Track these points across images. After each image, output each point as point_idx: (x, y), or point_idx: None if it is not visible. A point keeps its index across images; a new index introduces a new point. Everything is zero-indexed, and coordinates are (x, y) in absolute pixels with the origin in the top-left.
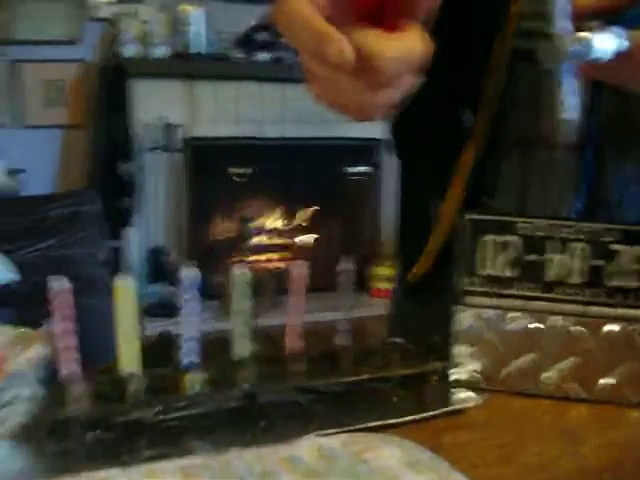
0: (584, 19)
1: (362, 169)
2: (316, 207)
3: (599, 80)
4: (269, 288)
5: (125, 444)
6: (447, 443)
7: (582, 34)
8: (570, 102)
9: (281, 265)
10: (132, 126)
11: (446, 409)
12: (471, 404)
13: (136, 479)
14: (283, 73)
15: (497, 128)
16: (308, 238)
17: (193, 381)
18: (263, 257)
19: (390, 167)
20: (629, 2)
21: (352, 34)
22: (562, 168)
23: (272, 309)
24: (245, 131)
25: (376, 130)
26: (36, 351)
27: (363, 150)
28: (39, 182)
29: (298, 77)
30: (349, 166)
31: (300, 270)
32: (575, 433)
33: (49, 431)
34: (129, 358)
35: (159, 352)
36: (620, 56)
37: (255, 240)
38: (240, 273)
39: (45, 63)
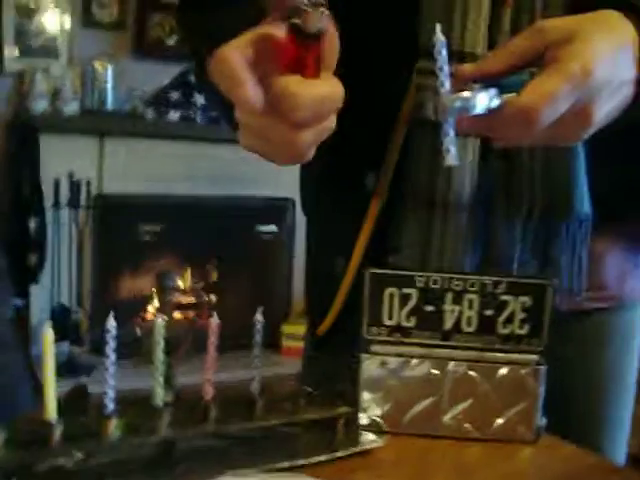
0: (467, 82)
1: (273, 228)
2: (221, 266)
3: (480, 136)
4: (184, 341)
5: None
6: (356, 478)
7: (465, 93)
8: (452, 151)
9: (190, 322)
10: (40, 182)
11: (351, 450)
12: (375, 445)
13: None
14: (193, 132)
15: (398, 188)
16: (216, 297)
17: (113, 428)
18: (176, 314)
19: (303, 227)
20: (502, 73)
21: (275, 80)
22: (456, 227)
23: (185, 362)
24: (155, 188)
25: (288, 189)
26: None
27: (274, 209)
28: None
29: (208, 137)
30: (261, 225)
31: (215, 323)
32: (469, 468)
33: None
34: (51, 406)
35: (75, 403)
36: (492, 113)
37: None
38: (160, 322)
39: None
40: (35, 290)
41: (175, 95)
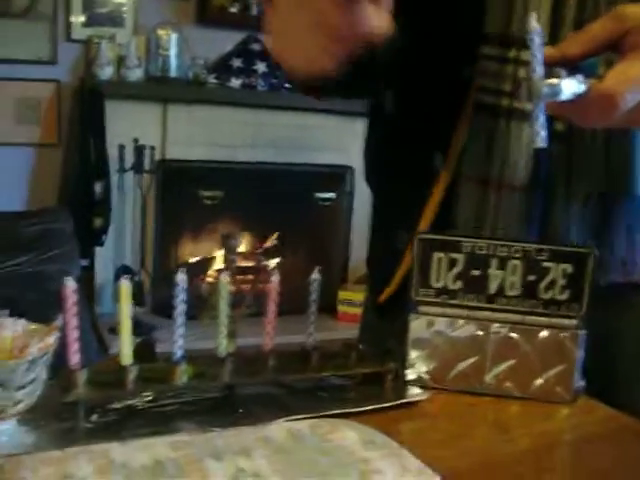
0: (554, 67)
1: (333, 195)
2: (280, 233)
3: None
4: (243, 302)
5: (122, 425)
6: (399, 429)
7: (553, 79)
8: (542, 134)
9: (250, 283)
10: (105, 147)
11: (396, 402)
12: (419, 399)
13: (132, 451)
14: (255, 99)
15: (459, 170)
16: (275, 262)
17: (181, 373)
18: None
19: (362, 195)
20: (582, 56)
21: None
22: (510, 207)
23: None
24: (217, 155)
25: (347, 157)
26: (48, 342)
27: (334, 176)
28: (10, 199)
29: (269, 104)
30: (320, 192)
31: (276, 280)
32: (509, 425)
33: (56, 412)
34: (126, 353)
35: (144, 353)
36: (578, 97)
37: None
38: (225, 279)
39: (19, 82)
40: (100, 252)
41: (237, 62)
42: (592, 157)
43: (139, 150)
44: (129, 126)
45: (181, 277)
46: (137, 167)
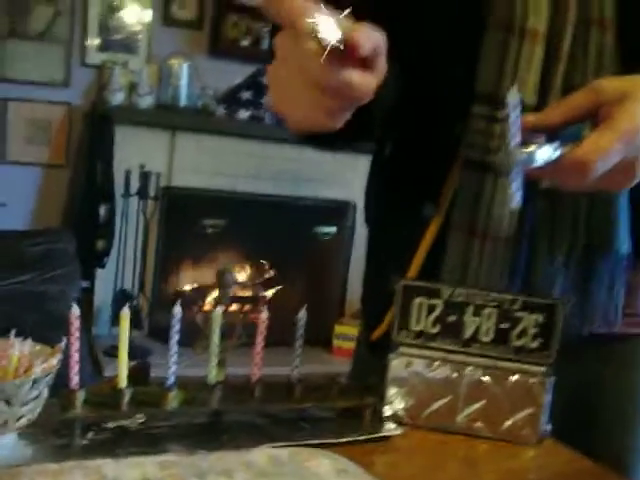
0: (530, 134)
1: (334, 230)
2: (279, 264)
3: (535, 180)
4: (237, 331)
5: (115, 443)
6: (373, 461)
7: (529, 148)
8: (517, 196)
9: (243, 314)
10: (112, 171)
11: (372, 435)
12: (394, 433)
13: (123, 468)
14: (262, 131)
15: (448, 220)
16: (272, 292)
17: (172, 398)
18: (233, 306)
19: (362, 230)
20: (560, 124)
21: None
22: (493, 258)
23: (237, 353)
24: (221, 184)
25: (350, 192)
26: (52, 363)
27: (336, 211)
28: (16, 217)
29: (275, 136)
30: (321, 226)
31: (264, 314)
32: (477, 462)
33: (54, 429)
34: (123, 376)
35: (139, 376)
36: (552, 164)
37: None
38: (218, 312)
39: (31, 103)
40: (100, 274)
41: (246, 95)
42: (575, 212)
43: (145, 176)
44: (137, 152)
45: (177, 309)
46: (142, 192)
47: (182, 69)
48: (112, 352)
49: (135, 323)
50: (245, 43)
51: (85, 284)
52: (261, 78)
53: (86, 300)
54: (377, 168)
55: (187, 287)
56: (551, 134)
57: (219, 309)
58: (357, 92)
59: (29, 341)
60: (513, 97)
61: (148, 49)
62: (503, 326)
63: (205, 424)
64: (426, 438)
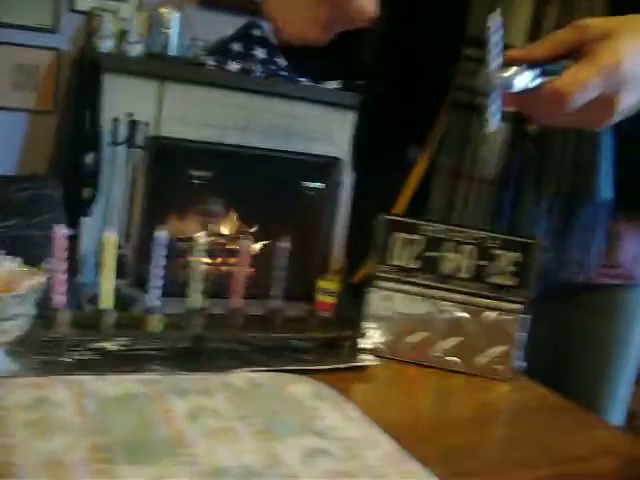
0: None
1: (320, 185)
2: (265, 218)
3: (516, 112)
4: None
5: (98, 363)
6: (349, 389)
7: (509, 71)
8: (495, 119)
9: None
10: (100, 119)
11: (350, 364)
12: (371, 364)
13: (105, 384)
14: (251, 84)
15: (432, 163)
16: (255, 245)
17: (156, 322)
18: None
19: (349, 187)
20: (544, 60)
21: None
22: (478, 199)
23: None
24: (209, 136)
25: (338, 148)
26: (37, 281)
27: (323, 167)
28: (1, 163)
29: (265, 90)
30: (308, 181)
31: (247, 245)
32: (450, 394)
33: (39, 347)
34: (107, 297)
35: (124, 302)
36: (530, 91)
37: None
38: (203, 238)
39: (18, 47)
40: (86, 223)
41: (237, 47)
42: (562, 159)
43: (133, 125)
44: (125, 100)
45: (162, 233)
46: (129, 142)
47: (173, 18)
48: (96, 300)
49: (120, 272)
50: None
51: (71, 232)
52: (252, 30)
53: (71, 248)
54: (365, 113)
55: (174, 238)
56: (536, 68)
57: (203, 235)
58: (355, 5)
59: (19, 259)
60: (494, 20)
61: None
62: (481, 263)
63: (187, 348)
64: (402, 370)
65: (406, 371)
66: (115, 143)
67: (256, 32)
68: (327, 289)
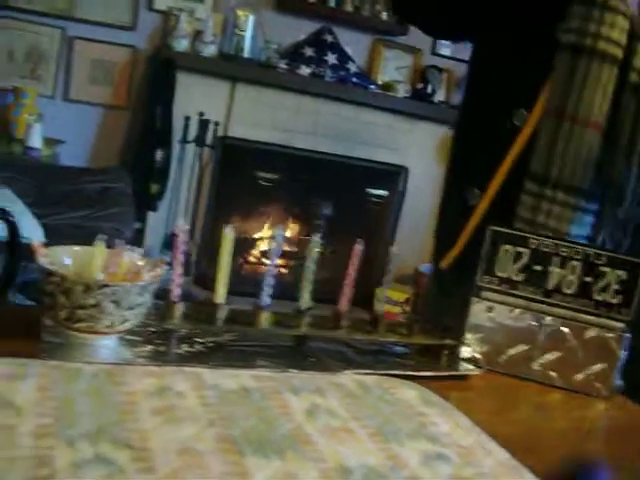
0: None
1: (384, 192)
2: (328, 223)
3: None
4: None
5: (208, 356)
6: (450, 396)
7: None
8: None
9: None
10: (171, 116)
11: (452, 373)
12: (470, 373)
13: (221, 376)
14: (322, 89)
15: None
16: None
17: (265, 319)
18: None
19: (413, 196)
20: None
21: None
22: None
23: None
24: (277, 138)
25: (404, 157)
26: (159, 272)
27: (388, 175)
28: (74, 155)
29: (335, 95)
30: (373, 188)
31: (359, 247)
32: (547, 409)
33: (152, 337)
34: (221, 292)
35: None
36: None
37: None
38: (315, 241)
39: (98, 44)
40: (152, 217)
41: (309, 51)
42: None
43: (203, 124)
44: (196, 99)
45: (279, 232)
46: (199, 140)
47: (248, 21)
48: (159, 295)
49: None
50: (311, 0)
51: (137, 226)
52: (324, 36)
53: (137, 241)
54: (470, 79)
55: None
56: None
57: (315, 239)
58: None
59: (138, 251)
60: None
61: None
62: (586, 279)
63: (293, 346)
64: (501, 381)
65: (505, 383)
66: (185, 141)
67: (328, 38)
68: (389, 298)
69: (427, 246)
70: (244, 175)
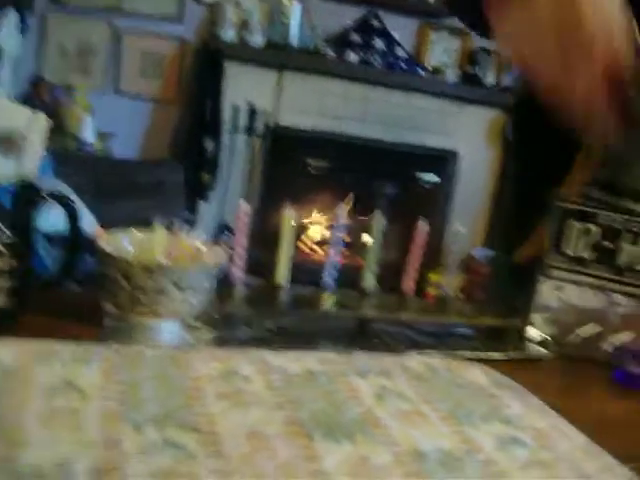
0: None
1: (435, 178)
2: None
3: None
4: None
5: (272, 339)
6: (520, 378)
7: None
8: None
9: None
10: (221, 107)
11: (519, 355)
12: (538, 356)
13: (285, 360)
14: (370, 75)
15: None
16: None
17: (328, 301)
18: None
19: (464, 181)
20: None
21: None
22: None
23: None
24: (327, 126)
25: (455, 142)
26: (222, 254)
27: (439, 160)
28: (125, 148)
29: (384, 81)
30: (423, 173)
31: (423, 226)
32: (620, 391)
33: (214, 321)
34: (283, 274)
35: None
36: None
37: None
38: (379, 220)
39: (146, 36)
40: (203, 207)
41: (356, 37)
42: None
43: (252, 113)
44: (245, 89)
45: (341, 212)
46: (249, 130)
47: (293, 8)
48: (218, 279)
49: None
50: None
51: (189, 216)
52: (371, 21)
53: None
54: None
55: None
56: None
57: (378, 216)
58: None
59: (200, 234)
60: None
61: None
62: None
63: (356, 329)
64: (569, 363)
65: (573, 365)
66: (235, 131)
67: (375, 23)
68: (439, 283)
69: (479, 230)
70: (294, 163)
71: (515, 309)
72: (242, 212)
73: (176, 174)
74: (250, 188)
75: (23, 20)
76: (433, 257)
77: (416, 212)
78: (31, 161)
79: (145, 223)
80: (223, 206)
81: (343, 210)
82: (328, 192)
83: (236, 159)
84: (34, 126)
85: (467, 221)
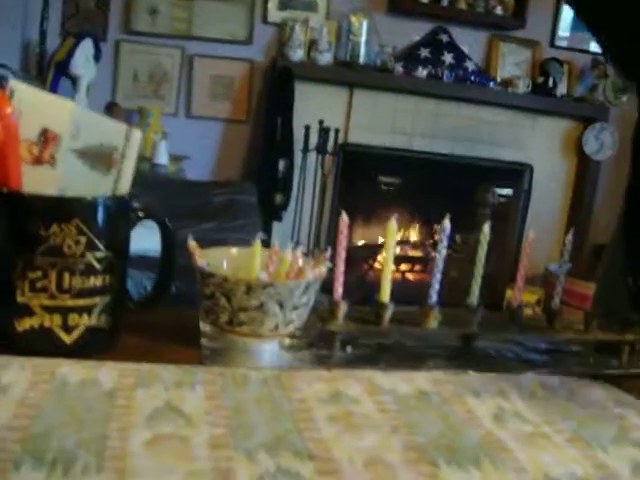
0: None
1: (509, 191)
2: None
3: None
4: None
5: (374, 358)
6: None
7: None
8: None
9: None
10: (292, 126)
11: (633, 371)
12: None
13: (395, 380)
14: (440, 90)
15: None
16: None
17: (433, 318)
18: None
19: (539, 194)
20: None
21: None
22: None
23: None
24: (397, 142)
25: (527, 155)
26: (322, 270)
27: (512, 173)
28: (198, 169)
29: (454, 95)
30: (497, 187)
31: (532, 236)
32: None
33: (314, 339)
34: (386, 291)
35: None
36: None
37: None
38: (485, 231)
39: (216, 59)
40: (278, 227)
41: (425, 52)
42: None
43: (324, 132)
44: (315, 108)
45: (445, 224)
46: (321, 148)
47: (361, 26)
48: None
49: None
50: (424, 0)
51: (263, 236)
52: (439, 36)
53: None
54: None
55: (358, 243)
56: None
57: (486, 227)
58: None
59: (300, 247)
60: None
61: (327, 6)
62: None
63: (461, 346)
64: None
65: None
66: (306, 150)
67: (443, 37)
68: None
69: (555, 245)
70: (365, 180)
71: (629, 322)
72: (343, 224)
73: (249, 194)
74: (323, 206)
75: (97, 47)
76: (508, 273)
77: (491, 227)
78: (126, 177)
79: (220, 245)
80: (297, 226)
81: (446, 225)
82: (400, 209)
83: (308, 178)
84: (130, 142)
85: (543, 234)
